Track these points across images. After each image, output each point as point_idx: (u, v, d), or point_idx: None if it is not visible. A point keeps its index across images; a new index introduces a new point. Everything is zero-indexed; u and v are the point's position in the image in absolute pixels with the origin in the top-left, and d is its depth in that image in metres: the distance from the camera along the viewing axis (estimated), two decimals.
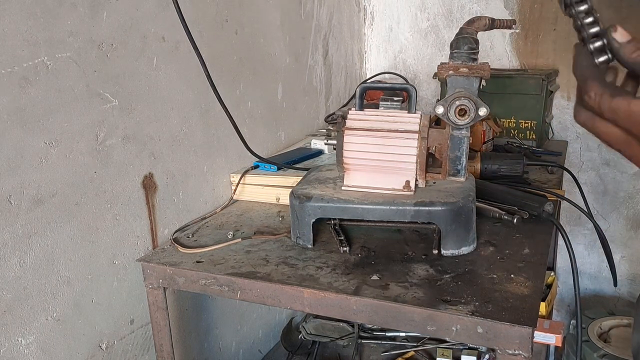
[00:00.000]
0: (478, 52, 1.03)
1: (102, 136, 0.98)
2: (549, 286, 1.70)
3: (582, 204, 1.34)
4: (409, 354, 1.51)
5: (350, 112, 1.06)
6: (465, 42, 1.01)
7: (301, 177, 1.14)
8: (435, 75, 1.86)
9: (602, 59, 0.53)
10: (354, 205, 0.99)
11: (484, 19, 1.05)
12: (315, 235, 1.03)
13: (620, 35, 0.53)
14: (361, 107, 1.06)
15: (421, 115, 1.03)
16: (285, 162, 1.34)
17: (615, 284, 1.28)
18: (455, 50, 1.02)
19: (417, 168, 1.02)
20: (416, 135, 1.01)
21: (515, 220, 1.08)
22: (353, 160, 1.04)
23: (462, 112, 0.99)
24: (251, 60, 1.38)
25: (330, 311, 0.89)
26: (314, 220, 1.00)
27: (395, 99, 1.08)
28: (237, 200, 1.32)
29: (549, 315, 1.69)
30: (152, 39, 1.06)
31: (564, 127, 1.89)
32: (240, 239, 1.08)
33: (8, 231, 0.84)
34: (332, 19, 1.80)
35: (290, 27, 1.55)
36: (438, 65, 1.02)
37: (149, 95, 1.07)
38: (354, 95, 1.64)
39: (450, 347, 1.50)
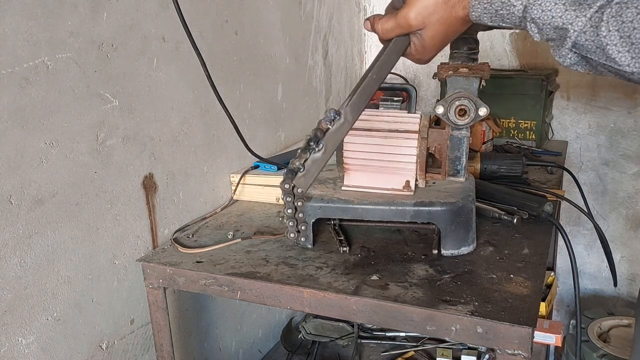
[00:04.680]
0: (478, 52, 1.03)
1: (103, 136, 0.98)
2: (549, 286, 1.70)
3: (581, 204, 1.35)
4: (409, 354, 1.51)
5: None
6: (465, 42, 1.01)
7: None
8: (435, 75, 1.85)
9: None
10: (354, 206, 0.99)
11: None
12: (315, 235, 1.03)
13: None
14: None
15: (421, 115, 1.03)
16: (285, 162, 1.33)
17: (615, 284, 1.28)
18: (455, 50, 1.02)
19: (417, 168, 1.02)
20: (416, 136, 1.01)
21: (514, 221, 1.08)
22: (353, 161, 1.04)
23: (462, 112, 1.00)
24: (251, 61, 1.38)
25: (330, 311, 0.89)
26: (314, 220, 1.01)
27: (395, 99, 1.08)
28: (237, 200, 1.32)
29: (548, 315, 1.69)
30: (153, 39, 1.06)
31: (564, 127, 1.89)
32: (240, 239, 1.08)
33: (9, 231, 0.84)
34: (332, 19, 1.80)
35: (290, 27, 1.55)
36: (438, 65, 1.03)
37: (149, 96, 1.07)
38: None
39: (450, 347, 1.50)
